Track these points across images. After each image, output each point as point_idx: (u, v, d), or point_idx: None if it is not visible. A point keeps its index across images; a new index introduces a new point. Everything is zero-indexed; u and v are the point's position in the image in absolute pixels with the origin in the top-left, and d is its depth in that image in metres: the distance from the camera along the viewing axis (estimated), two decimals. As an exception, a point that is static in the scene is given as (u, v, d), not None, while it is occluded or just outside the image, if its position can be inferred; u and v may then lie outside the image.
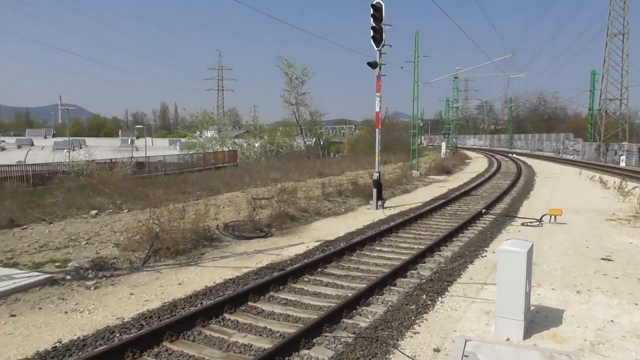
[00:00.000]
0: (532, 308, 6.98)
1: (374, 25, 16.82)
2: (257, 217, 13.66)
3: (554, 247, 11.48)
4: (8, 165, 28.27)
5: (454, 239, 12.46)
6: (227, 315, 7.15)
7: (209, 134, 51.64)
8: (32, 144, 67.44)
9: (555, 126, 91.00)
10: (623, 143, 50.49)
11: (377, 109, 17.98)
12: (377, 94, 17.66)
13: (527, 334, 6.28)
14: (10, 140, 76.56)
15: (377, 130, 18.47)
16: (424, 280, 8.81)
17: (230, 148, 49.22)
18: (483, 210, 16.24)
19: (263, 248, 11.56)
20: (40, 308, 7.44)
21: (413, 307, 7.42)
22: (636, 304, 7.55)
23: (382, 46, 17.25)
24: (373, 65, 17.22)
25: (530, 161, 49.99)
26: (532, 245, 6.54)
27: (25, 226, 12.37)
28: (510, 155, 62.85)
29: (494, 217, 15.59)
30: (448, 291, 8.27)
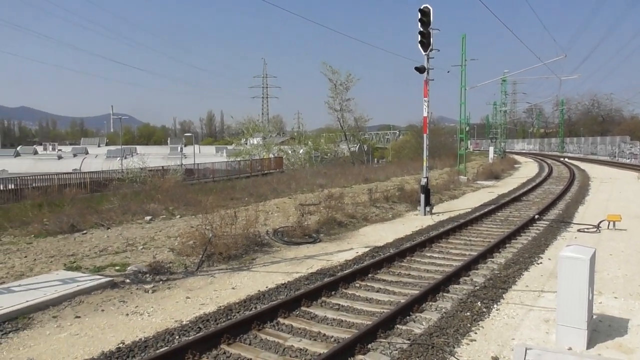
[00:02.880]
0: (594, 317, 6.74)
1: (421, 29, 16.70)
2: (306, 223, 13.74)
3: (614, 254, 11.04)
4: (67, 173, 29.56)
5: (507, 245, 12.17)
6: (281, 320, 7.23)
7: (254, 141, 52.23)
8: (86, 153, 69.92)
9: (610, 129, 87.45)
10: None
11: (425, 114, 17.80)
12: (425, 98, 17.50)
13: (591, 343, 6.07)
14: (67, 149, 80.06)
15: (424, 135, 18.30)
16: (478, 287, 8.64)
17: (276, 155, 49.71)
18: (536, 216, 15.80)
19: (312, 254, 11.63)
20: (102, 310, 7.75)
21: (468, 314, 7.30)
22: None
23: (430, 50, 17.09)
24: (421, 70, 17.09)
25: (583, 165, 48.23)
26: (595, 252, 6.33)
27: (85, 231, 12.89)
28: (562, 159, 60.84)
29: (548, 223, 15.13)
30: (503, 298, 8.09)
